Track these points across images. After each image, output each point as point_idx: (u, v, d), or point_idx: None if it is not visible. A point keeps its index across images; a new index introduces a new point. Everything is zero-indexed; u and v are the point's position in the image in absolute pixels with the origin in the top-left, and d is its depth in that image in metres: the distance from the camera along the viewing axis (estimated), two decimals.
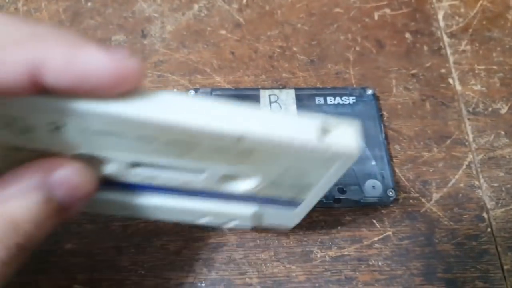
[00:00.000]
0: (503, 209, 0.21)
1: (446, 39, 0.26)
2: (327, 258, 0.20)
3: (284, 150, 0.11)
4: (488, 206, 0.21)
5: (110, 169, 0.13)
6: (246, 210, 0.15)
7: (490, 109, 0.24)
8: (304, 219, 0.21)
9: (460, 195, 0.21)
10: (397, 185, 0.21)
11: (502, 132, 0.23)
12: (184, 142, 0.11)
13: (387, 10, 0.27)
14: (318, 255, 0.20)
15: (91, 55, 0.10)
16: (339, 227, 0.21)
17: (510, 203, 0.21)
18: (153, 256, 0.20)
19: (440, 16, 0.27)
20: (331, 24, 0.26)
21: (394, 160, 0.22)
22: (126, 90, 0.10)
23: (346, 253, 0.20)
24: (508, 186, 0.22)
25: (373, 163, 0.21)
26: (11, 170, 0.11)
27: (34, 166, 0.11)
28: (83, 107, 0.10)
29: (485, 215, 0.21)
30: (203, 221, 0.16)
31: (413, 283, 0.19)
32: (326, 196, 0.20)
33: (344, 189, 0.20)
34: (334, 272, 0.20)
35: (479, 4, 0.27)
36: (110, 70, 0.10)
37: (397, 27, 0.26)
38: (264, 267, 0.20)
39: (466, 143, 0.23)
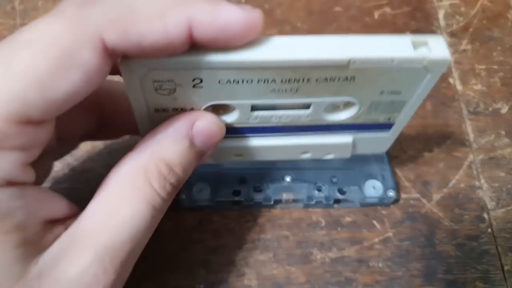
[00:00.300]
0: (503, 210, 0.21)
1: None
2: (327, 260, 0.20)
3: (385, 67, 0.13)
4: (489, 206, 0.21)
5: (232, 117, 0.15)
6: (345, 139, 0.17)
7: (490, 108, 0.24)
8: (303, 221, 0.21)
9: (461, 195, 0.21)
10: (397, 186, 0.21)
11: (503, 132, 0.23)
12: (297, 79, 0.13)
13: (387, 9, 0.27)
14: (318, 257, 0.20)
15: (230, 10, 0.11)
16: (339, 228, 0.20)
17: (510, 203, 0.21)
18: (151, 258, 0.19)
19: (440, 15, 0.27)
20: (331, 23, 0.26)
21: (394, 160, 0.22)
22: (252, 39, 0.12)
23: (346, 254, 0.20)
24: (509, 186, 0.22)
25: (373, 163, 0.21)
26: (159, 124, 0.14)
27: (180, 119, 0.14)
28: (226, 59, 0.12)
29: (485, 215, 0.21)
30: (305, 156, 0.18)
31: (414, 284, 0.19)
32: (326, 197, 0.20)
33: (344, 189, 0.20)
34: (334, 273, 0.19)
35: (479, 4, 0.27)
36: (244, 20, 0.11)
37: (398, 26, 0.26)
38: (263, 268, 0.19)
39: (467, 143, 0.23)
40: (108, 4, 0.11)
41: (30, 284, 0.12)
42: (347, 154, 0.18)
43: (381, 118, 0.16)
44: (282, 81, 0.13)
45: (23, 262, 0.12)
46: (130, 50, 0.11)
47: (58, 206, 0.13)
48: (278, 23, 0.26)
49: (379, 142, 0.18)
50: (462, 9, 0.27)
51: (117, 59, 0.12)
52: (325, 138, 0.17)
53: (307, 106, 0.15)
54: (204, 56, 0.12)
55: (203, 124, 0.14)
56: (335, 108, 0.16)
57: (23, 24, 0.26)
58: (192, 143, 0.14)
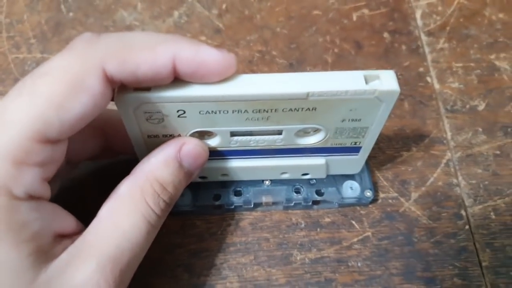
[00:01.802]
0: (480, 206, 0.21)
1: (424, 37, 0.26)
2: (307, 261, 0.20)
3: (341, 98, 0.15)
4: (466, 203, 0.21)
5: (215, 141, 0.17)
6: (318, 161, 0.19)
7: (467, 106, 0.24)
8: (283, 222, 0.21)
9: (439, 193, 0.22)
10: (375, 185, 0.22)
11: (480, 129, 0.23)
12: (266, 110, 0.15)
13: (365, 11, 0.27)
14: (298, 258, 0.20)
15: (209, 50, 0.14)
16: (318, 229, 0.21)
17: (487, 199, 0.21)
18: None
19: (418, 15, 0.27)
20: (310, 27, 0.27)
21: (372, 160, 0.22)
22: (226, 76, 0.14)
23: (325, 255, 0.20)
24: (486, 182, 0.22)
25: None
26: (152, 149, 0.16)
27: (169, 144, 0.16)
28: (202, 93, 0.14)
29: (463, 212, 0.21)
30: (284, 176, 0.20)
31: (393, 283, 0.20)
32: (304, 199, 0.20)
33: (322, 191, 0.21)
34: (314, 274, 0.20)
35: (456, 2, 0.27)
36: (220, 59, 0.14)
37: (375, 27, 0.26)
38: (244, 271, 0.20)
39: (444, 141, 0.23)
40: (109, 40, 0.14)
41: None
42: (323, 175, 0.20)
43: (348, 142, 0.18)
44: (253, 111, 0.15)
45: (35, 269, 0.13)
46: (126, 78, 0.14)
47: (68, 222, 0.15)
48: (258, 29, 0.27)
49: (350, 163, 0.20)
50: (439, 8, 0.27)
51: (116, 86, 0.14)
52: (300, 160, 0.19)
53: (279, 132, 0.17)
54: (184, 92, 0.14)
55: (189, 148, 0.16)
56: (305, 133, 0.18)
57: (9, 37, 0.26)
58: (181, 165, 0.16)
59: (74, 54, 0.13)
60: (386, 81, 0.15)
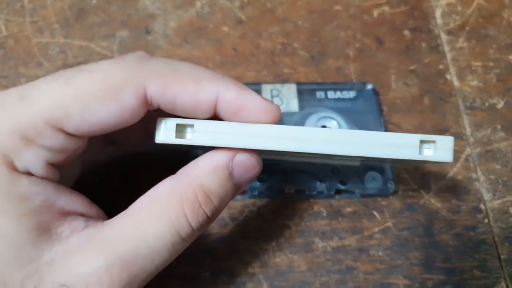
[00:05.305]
0: (499, 201, 0.22)
1: (443, 36, 0.27)
2: (329, 249, 0.20)
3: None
4: (485, 197, 0.22)
5: None
6: (352, 163, 0.20)
7: (487, 104, 0.24)
8: (305, 211, 0.21)
9: (458, 187, 0.22)
10: (396, 178, 0.22)
11: (499, 126, 0.24)
12: (306, 155, 0.15)
13: (386, 8, 0.28)
14: (320, 246, 0.20)
15: (253, 96, 0.14)
16: (340, 218, 0.21)
17: (506, 194, 0.22)
18: None
19: (437, 14, 0.27)
20: (331, 21, 0.27)
21: None
22: (269, 123, 0.14)
23: (347, 243, 0.20)
24: (505, 178, 0.22)
25: None
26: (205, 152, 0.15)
27: (222, 150, 0.14)
28: (248, 146, 0.14)
29: (482, 206, 0.21)
30: (317, 161, 0.21)
31: (413, 272, 0.20)
32: (327, 187, 0.21)
33: (345, 180, 0.21)
34: (335, 262, 0.20)
35: (475, 3, 0.28)
36: (263, 108, 0.14)
37: (396, 25, 0.27)
38: (266, 257, 0.20)
39: (464, 137, 0.23)
40: (158, 63, 0.14)
41: (41, 268, 0.12)
42: (356, 163, 0.21)
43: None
44: (292, 154, 0.15)
45: (37, 246, 0.13)
46: (165, 104, 0.14)
47: (78, 201, 0.14)
48: (280, 21, 0.27)
49: None
50: (459, 8, 0.28)
51: (151, 109, 0.14)
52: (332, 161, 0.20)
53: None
54: (225, 141, 0.14)
55: (243, 158, 0.15)
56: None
57: (32, 22, 0.26)
58: (231, 174, 0.14)
59: (121, 65, 0.14)
60: (441, 151, 0.14)
